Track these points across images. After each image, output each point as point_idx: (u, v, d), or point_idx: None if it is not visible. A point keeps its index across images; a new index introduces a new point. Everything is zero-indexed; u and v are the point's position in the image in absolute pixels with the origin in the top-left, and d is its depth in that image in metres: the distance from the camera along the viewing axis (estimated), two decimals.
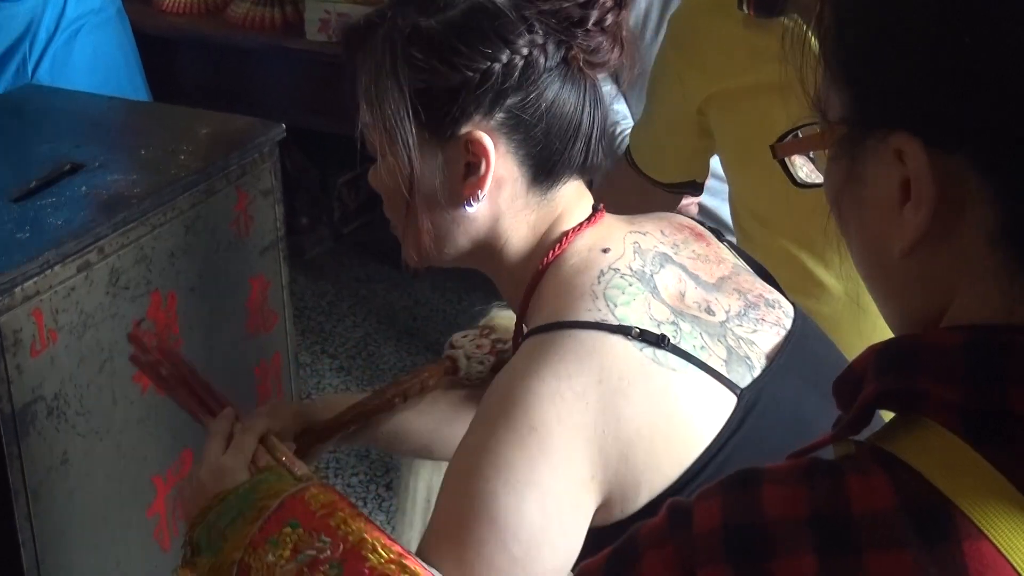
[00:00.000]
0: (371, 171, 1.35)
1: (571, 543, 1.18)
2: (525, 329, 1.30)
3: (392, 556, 1.17)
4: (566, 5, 1.23)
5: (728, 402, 1.20)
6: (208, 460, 1.35)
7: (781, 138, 0.90)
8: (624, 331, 1.18)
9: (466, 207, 1.28)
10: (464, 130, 1.25)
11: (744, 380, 1.22)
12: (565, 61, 1.25)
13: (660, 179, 2.05)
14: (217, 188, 2.19)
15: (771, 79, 1.84)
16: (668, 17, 2.56)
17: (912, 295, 0.81)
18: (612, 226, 1.32)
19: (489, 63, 1.22)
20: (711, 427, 1.19)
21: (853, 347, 1.57)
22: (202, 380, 1.52)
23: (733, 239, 1.77)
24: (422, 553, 1.21)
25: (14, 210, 2.00)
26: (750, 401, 1.21)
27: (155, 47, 3.00)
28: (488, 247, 1.33)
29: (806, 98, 0.87)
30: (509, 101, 1.24)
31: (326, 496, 1.25)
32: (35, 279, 1.86)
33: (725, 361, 1.22)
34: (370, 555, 1.18)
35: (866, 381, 0.78)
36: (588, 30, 1.24)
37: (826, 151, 0.86)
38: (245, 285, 2.29)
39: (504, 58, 1.22)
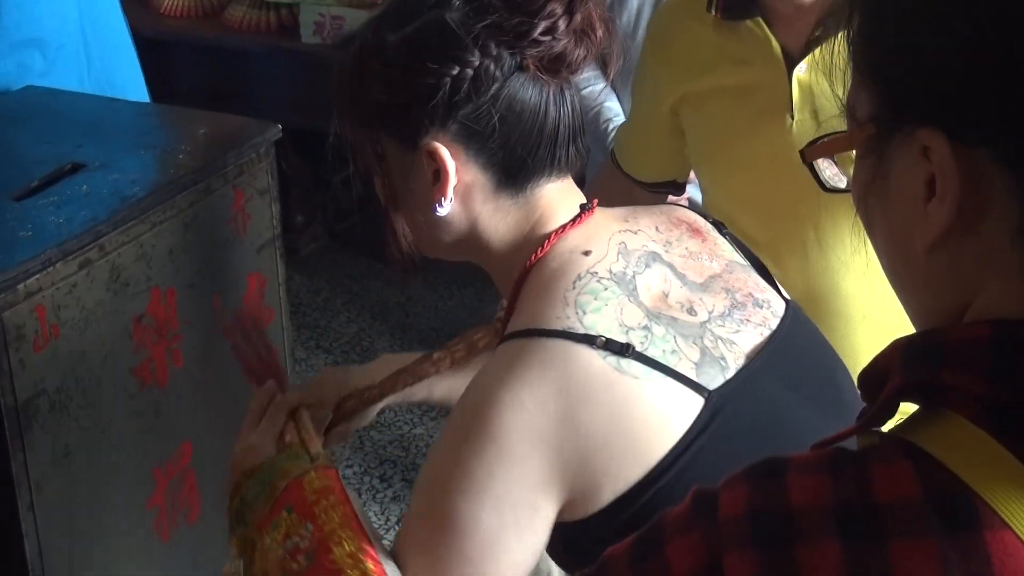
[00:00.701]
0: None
1: (527, 543, 1.20)
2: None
3: (352, 550, 1.21)
4: (508, 20, 1.24)
5: (694, 405, 1.21)
6: (240, 436, 1.40)
7: (810, 144, 0.90)
8: (589, 340, 1.19)
9: (437, 210, 1.29)
10: (424, 141, 1.27)
11: (715, 382, 1.22)
12: (521, 68, 1.26)
13: (641, 179, 2.05)
14: (215, 187, 2.19)
15: (734, 81, 1.86)
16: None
17: (936, 290, 0.81)
18: (600, 226, 1.32)
19: (438, 77, 1.24)
20: (675, 430, 1.19)
21: None
22: (269, 361, 1.58)
23: None
24: (395, 548, 1.25)
25: (16, 209, 2.00)
26: (718, 403, 1.21)
27: (153, 49, 3.00)
28: (473, 245, 1.34)
29: (790, 103, 0.88)
30: (462, 112, 1.26)
31: (321, 482, 1.28)
32: (37, 276, 1.86)
33: (696, 364, 1.23)
34: (335, 548, 1.22)
35: (891, 375, 0.78)
36: (536, 40, 1.24)
37: (854, 152, 0.85)
38: (242, 281, 2.29)
39: (453, 71, 1.24)
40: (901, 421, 0.78)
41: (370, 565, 1.20)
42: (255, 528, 1.30)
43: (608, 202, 1.91)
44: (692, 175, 2.09)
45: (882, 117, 0.80)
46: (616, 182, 2.08)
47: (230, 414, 2.29)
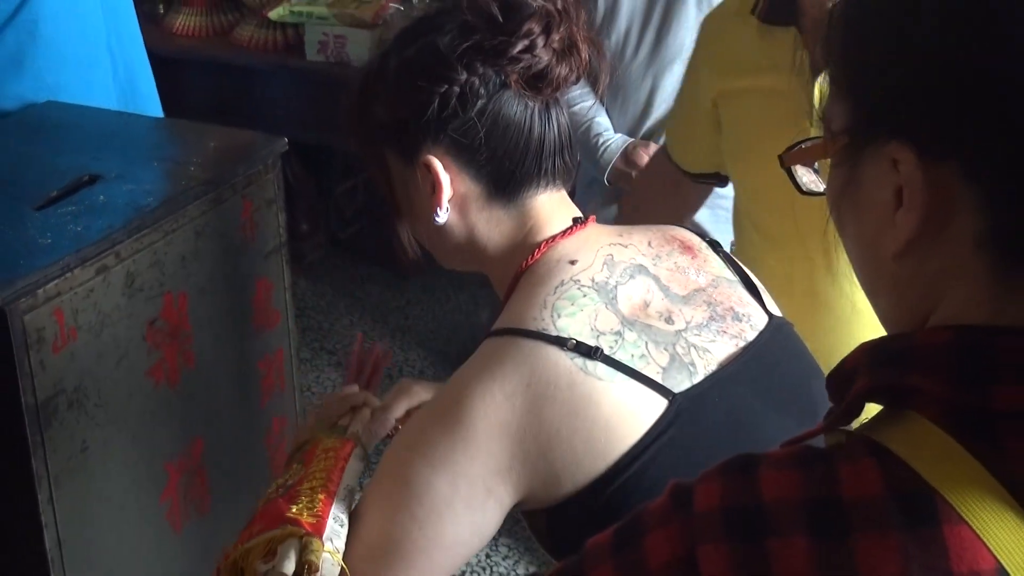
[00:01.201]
0: None
1: (475, 520, 1.22)
2: None
3: (315, 485, 1.28)
4: (490, 40, 1.27)
5: (658, 406, 1.22)
6: (306, 417, 1.48)
7: (788, 149, 0.91)
8: (560, 342, 1.21)
9: (436, 219, 1.33)
10: (421, 155, 1.31)
11: (681, 386, 1.24)
12: (505, 84, 1.28)
13: (687, 168, 2.06)
14: (224, 197, 2.19)
15: (768, 84, 1.86)
16: (648, 33, 2.57)
17: (903, 294, 0.81)
18: (591, 238, 1.33)
19: (428, 94, 1.28)
20: (636, 429, 1.21)
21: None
22: (372, 374, 1.64)
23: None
24: (361, 499, 1.29)
25: (37, 218, 2.00)
26: (683, 406, 1.23)
27: (167, 67, 2.99)
28: (473, 252, 1.37)
29: (811, 111, 0.88)
30: (452, 126, 1.29)
31: (332, 444, 1.36)
32: (56, 281, 1.86)
33: (664, 368, 1.24)
34: (304, 483, 1.29)
35: (858, 376, 0.78)
36: (516, 57, 1.27)
37: (828, 159, 0.86)
38: (251, 286, 2.29)
39: (442, 88, 1.27)
40: (867, 421, 0.78)
41: (320, 496, 1.25)
42: (273, 480, 1.37)
43: (658, 189, 1.91)
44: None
45: (855, 129, 0.81)
46: (666, 169, 2.08)
47: (239, 412, 2.29)
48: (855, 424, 0.80)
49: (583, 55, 1.31)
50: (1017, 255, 0.74)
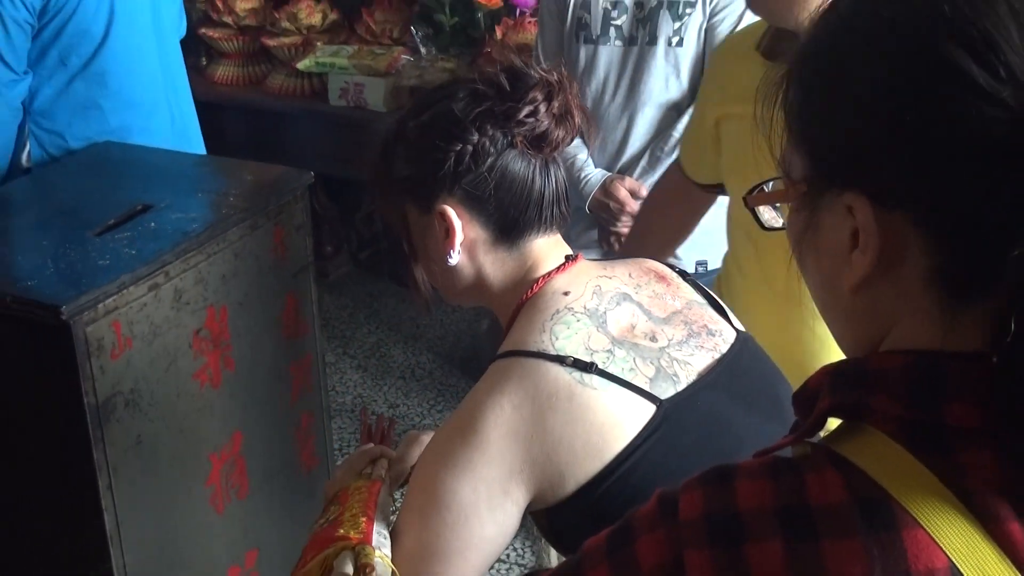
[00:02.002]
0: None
1: (497, 519, 1.21)
2: None
3: (356, 512, 1.27)
4: (497, 107, 1.28)
5: (647, 411, 1.22)
6: (333, 473, 1.48)
7: (751, 191, 0.89)
8: (560, 360, 1.21)
9: (449, 260, 1.33)
10: (436, 205, 1.31)
11: (666, 393, 1.24)
12: (511, 145, 1.29)
13: (696, 179, 2.05)
14: (259, 224, 2.19)
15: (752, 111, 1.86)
16: (623, 81, 2.57)
17: (859, 324, 0.80)
18: (581, 272, 1.34)
19: (445, 153, 1.28)
20: (629, 432, 1.21)
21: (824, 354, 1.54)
22: (385, 436, 1.63)
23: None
24: (397, 518, 1.28)
25: (97, 242, 2.00)
26: (669, 410, 1.22)
27: (209, 111, 3.00)
28: (480, 290, 1.37)
29: (773, 159, 0.85)
30: (465, 180, 1.29)
31: (363, 483, 1.36)
32: (114, 297, 1.86)
33: (651, 379, 1.24)
34: (346, 512, 1.28)
35: (821, 396, 0.77)
36: (522, 121, 1.27)
37: (789, 204, 0.84)
38: (282, 300, 2.29)
39: (457, 147, 1.28)
40: (829, 433, 0.77)
41: (362, 519, 1.25)
42: (316, 522, 1.36)
43: (670, 196, 1.90)
44: None
45: (813, 180, 0.79)
46: (678, 179, 2.08)
47: (273, 409, 2.29)
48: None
49: (576, 120, 1.32)
50: (960, 291, 0.73)
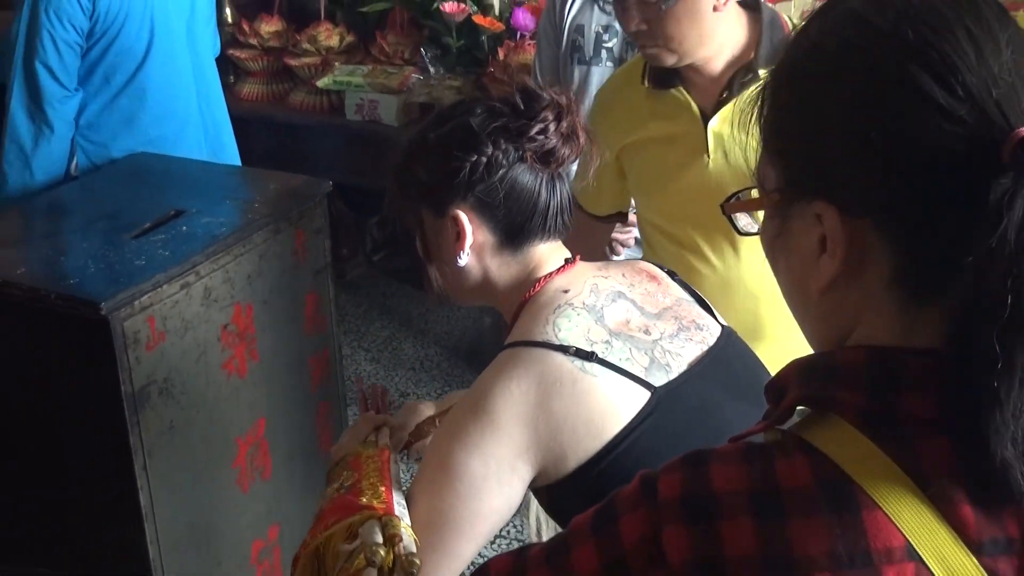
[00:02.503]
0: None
1: (504, 493, 1.21)
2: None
3: (374, 481, 1.25)
4: (511, 124, 1.28)
5: (642, 397, 1.22)
6: (339, 439, 1.44)
7: (728, 199, 0.89)
8: (563, 349, 1.22)
9: (459, 261, 1.33)
10: (451, 209, 1.31)
11: (660, 381, 1.24)
12: (522, 159, 1.29)
13: (598, 214, 2.06)
14: (282, 228, 2.20)
15: (663, 133, 1.89)
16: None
17: (826, 322, 0.80)
18: (579, 272, 1.34)
19: (461, 163, 1.28)
20: (625, 414, 1.21)
21: (726, 313, 1.59)
22: (380, 405, 1.61)
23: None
24: (411, 486, 1.27)
25: (134, 245, 2.01)
26: (662, 396, 1.23)
27: (236, 125, 3.00)
28: (486, 289, 1.37)
29: (750, 174, 0.85)
30: (478, 188, 1.29)
31: (374, 452, 1.35)
32: (149, 294, 1.87)
33: (646, 368, 1.24)
34: (363, 480, 1.27)
35: (790, 387, 0.77)
36: (533, 137, 1.28)
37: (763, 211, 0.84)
38: (302, 298, 2.30)
39: (472, 158, 1.28)
40: (797, 421, 0.77)
41: (381, 488, 1.24)
42: (330, 488, 1.34)
43: (578, 236, 1.92)
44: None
45: (785, 190, 0.79)
46: (580, 218, 2.09)
47: (294, 397, 2.30)
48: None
49: (581, 139, 1.33)
50: (919, 293, 0.73)
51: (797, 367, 0.78)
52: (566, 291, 1.30)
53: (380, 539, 1.15)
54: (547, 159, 1.30)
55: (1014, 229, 0.65)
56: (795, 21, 1.86)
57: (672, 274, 1.43)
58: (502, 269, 1.34)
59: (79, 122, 2.54)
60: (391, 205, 1.39)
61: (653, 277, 1.39)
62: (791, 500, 0.70)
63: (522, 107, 1.29)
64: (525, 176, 1.30)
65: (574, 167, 2.67)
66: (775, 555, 0.69)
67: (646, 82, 1.83)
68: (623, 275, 1.36)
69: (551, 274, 1.33)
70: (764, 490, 0.71)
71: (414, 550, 1.15)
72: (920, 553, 0.68)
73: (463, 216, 1.31)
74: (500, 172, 1.29)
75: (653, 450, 1.20)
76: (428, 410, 1.53)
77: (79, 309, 1.80)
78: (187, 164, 2.53)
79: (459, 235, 1.31)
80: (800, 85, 0.78)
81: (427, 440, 1.52)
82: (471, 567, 1.19)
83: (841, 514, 0.69)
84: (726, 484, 0.73)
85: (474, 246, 1.32)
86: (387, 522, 1.17)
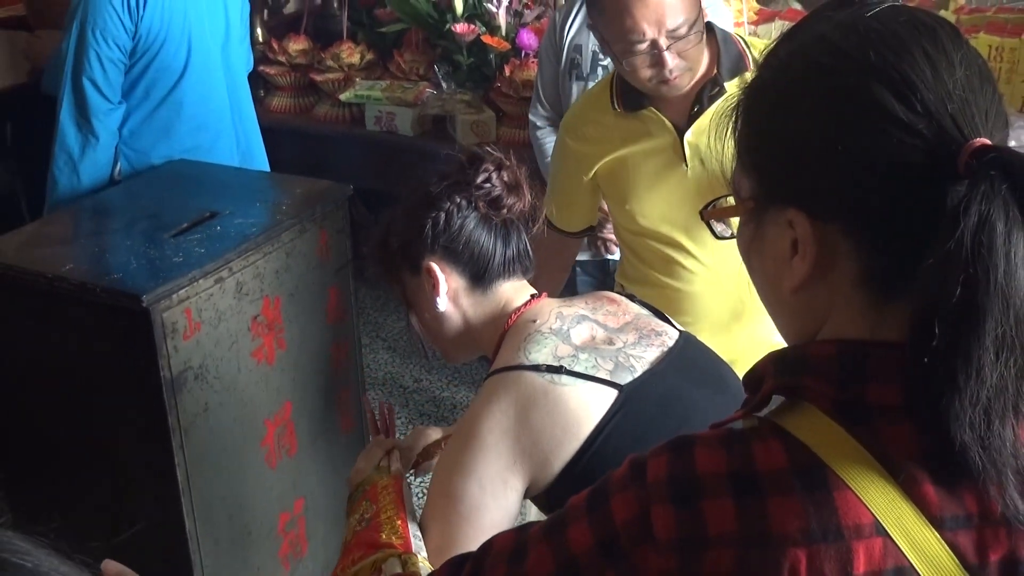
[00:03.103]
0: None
1: (502, 505, 1.23)
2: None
3: (391, 515, 1.27)
4: (460, 178, 1.34)
5: (610, 396, 1.24)
6: (356, 464, 1.45)
7: (705, 207, 0.89)
8: (535, 368, 1.24)
9: (438, 306, 1.37)
10: (424, 263, 1.36)
11: (625, 379, 1.25)
12: (475, 208, 1.34)
13: (570, 230, 2.05)
14: (307, 228, 2.19)
15: (640, 149, 1.89)
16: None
17: (799, 319, 0.80)
18: (545, 304, 1.37)
19: (424, 221, 1.34)
20: (596, 413, 1.22)
21: (712, 310, 1.58)
22: (388, 426, 1.62)
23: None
24: (422, 515, 1.29)
25: (172, 243, 2.00)
26: (629, 392, 1.24)
27: (266, 135, 2.99)
28: (468, 332, 1.40)
29: (725, 181, 0.85)
30: (442, 239, 1.34)
31: (387, 482, 1.36)
32: (185, 288, 1.86)
33: (611, 371, 1.26)
34: (382, 514, 1.28)
35: (767, 378, 0.77)
36: (479, 186, 1.33)
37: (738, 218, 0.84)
38: (326, 292, 2.29)
39: (432, 215, 1.33)
40: (773, 409, 0.77)
41: (398, 522, 1.26)
42: (348, 517, 1.36)
43: (548, 252, 1.92)
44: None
45: (759, 198, 0.79)
46: (553, 236, 2.06)
47: (318, 382, 2.30)
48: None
49: (526, 192, 1.36)
50: (883, 291, 0.73)
51: (772, 359, 0.78)
52: (534, 321, 1.33)
53: (400, 570, 1.17)
54: (496, 206, 1.34)
55: (969, 233, 0.65)
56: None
57: (632, 297, 1.45)
58: (476, 309, 1.37)
59: (122, 132, 2.55)
60: (377, 276, 1.44)
61: (613, 300, 1.41)
62: (768, 481, 0.70)
63: (467, 164, 1.35)
64: (480, 225, 1.35)
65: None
66: (753, 531, 0.69)
67: (616, 107, 1.83)
68: (585, 303, 1.39)
69: (519, 308, 1.36)
70: (743, 472, 0.71)
71: None
72: (887, 529, 0.68)
73: (435, 266, 1.35)
74: (459, 222, 1.33)
75: (627, 439, 1.21)
76: (435, 434, 1.56)
77: (122, 302, 1.80)
78: (221, 170, 2.53)
79: (435, 284, 1.35)
80: (771, 102, 0.78)
81: (434, 460, 1.54)
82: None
83: (814, 494, 0.69)
84: (708, 467, 0.73)
85: (449, 292, 1.36)
86: (406, 560, 1.19)
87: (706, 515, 0.71)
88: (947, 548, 0.69)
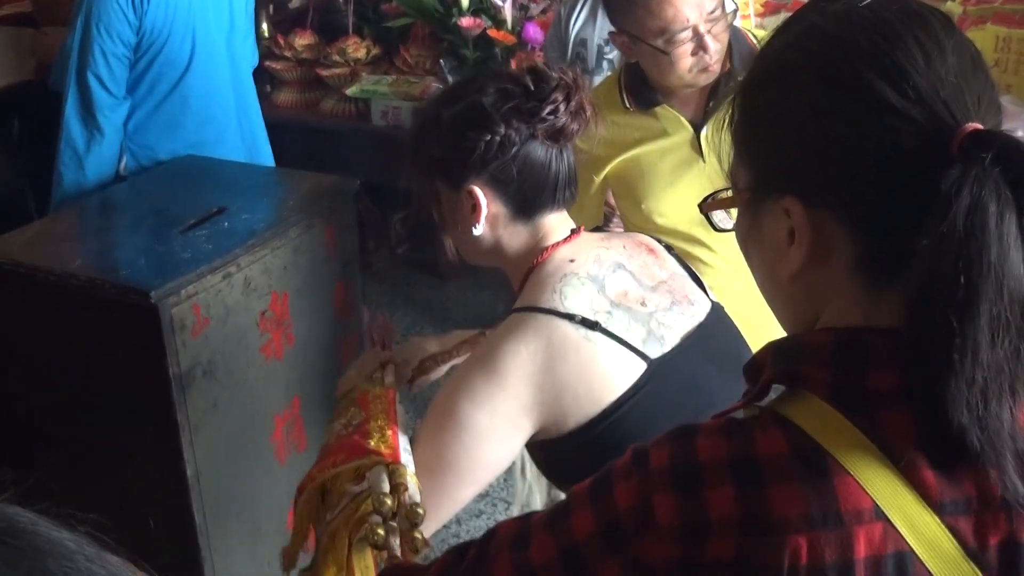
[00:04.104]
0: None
1: (507, 446, 1.19)
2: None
3: (382, 424, 1.22)
4: (523, 104, 1.24)
5: (639, 367, 1.21)
6: (346, 372, 1.41)
7: (704, 200, 0.89)
8: (570, 317, 1.20)
9: (474, 231, 1.29)
10: (467, 184, 1.27)
11: (655, 353, 1.22)
12: (533, 136, 1.25)
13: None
14: (314, 223, 2.18)
15: (656, 147, 1.88)
16: None
17: (797, 306, 0.81)
18: (584, 243, 1.31)
19: (476, 142, 1.24)
20: (623, 383, 1.19)
21: (732, 304, 1.59)
22: (386, 337, 1.56)
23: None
24: (416, 433, 1.24)
25: (180, 239, 2.00)
26: (656, 368, 1.21)
27: (272, 130, 2.99)
28: (497, 255, 1.33)
29: (724, 173, 0.85)
30: (492, 165, 1.25)
31: (380, 392, 1.31)
32: (194, 284, 1.86)
33: (643, 340, 1.22)
34: (371, 422, 1.24)
35: (766, 367, 0.78)
36: (544, 118, 1.24)
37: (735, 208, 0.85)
38: (333, 287, 2.29)
39: (486, 138, 1.24)
40: (774, 398, 0.77)
41: (389, 432, 1.21)
42: (333, 421, 1.32)
43: None
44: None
45: (756, 188, 0.79)
46: None
47: (326, 377, 2.29)
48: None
49: (588, 114, 1.28)
50: (879, 277, 0.73)
51: (771, 349, 0.79)
52: (572, 260, 1.28)
53: (387, 488, 1.12)
54: (557, 136, 1.27)
55: (962, 215, 0.66)
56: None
57: (669, 248, 1.40)
58: (514, 238, 1.31)
59: (127, 127, 2.55)
60: (407, 176, 1.34)
61: (652, 250, 1.36)
62: (768, 469, 0.71)
63: (532, 88, 1.25)
64: (537, 152, 1.26)
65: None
66: (754, 518, 0.70)
67: (628, 105, 1.82)
68: (623, 247, 1.34)
69: (557, 244, 1.30)
70: (744, 460, 0.72)
71: (418, 499, 1.12)
72: (887, 514, 0.69)
73: (478, 191, 1.27)
74: (513, 150, 1.25)
75: (646, 418, 1.18)
76: (431, 346, 1.51)
77: (131, 298, 1.80)
78: (228, 165, 2.52)
79: (475, 208, 1.28)
80: (767, 92, 0.79)
81: (429, 376, 1.50)
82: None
83: (814, 480, 0.69)
84: (710, 455, 0.73)
85: (488, 217, 1.29)
86: (394, 470, 1.14)
87: (708, 503, 0.71)
88: (947, 532, 0.69)
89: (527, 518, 0.85)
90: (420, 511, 1.10)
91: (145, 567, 0.53)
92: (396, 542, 1.08)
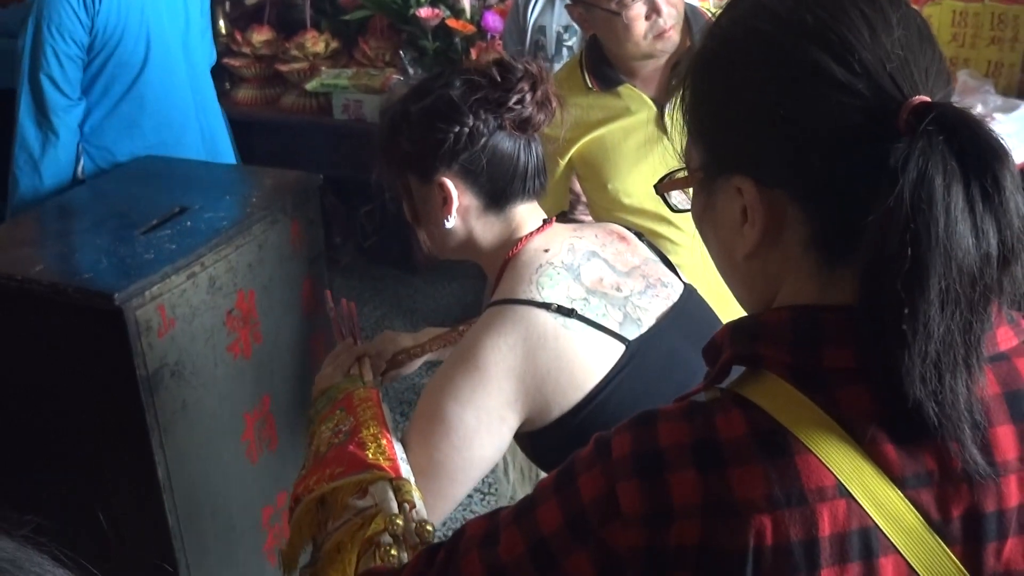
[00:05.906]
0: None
1: (494, 441, 1.20)
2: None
3: (374, 431, 1.22)
4: (490, 95, 1.26)
5: (618, 350, 1.22)
6: (321, 369, 1.41)
7: (660, 180, 0.89)
8: (546, 306, 1.21)
9: (446, 224, 1.30)
10: (437, 177, 1.28)
11: (633, 335, 1.24)
12: (501, 127, 1.27)
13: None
14: (279, 219, 2.17)
15: (619, 126, 1.89)
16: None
17: (753, 285, 0.81)
18: (557, 233, 1.33)
19: (445, 134, 1.25)
20: (603, 366, 1.21)
21: (701, 280, 1.58)
22: (353, 328, 1.57)
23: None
24: (404, 436, 1.24)
25: (143, 240, 1.98)
26: (635, 348, 1.23)
27: (233, 128, 2.97)
28: (471, 248, 1.34)
29: (675, 153, 0.85)
30: (462, 157, 1.26)
31: (365, 394, 1.31)
32: (158, 285, 1.84)
33: (620, 323, 1.23)
34: (363, 430, 1.23)
35: (724, 348, 0.78)
36: (511, 108, 1.25)
37: (690, 188, 0.85)
38: (300, 284, 2.28)
39: (455, 129, 1.25)
40: (734, 379, 0.77)
41: (384, 440, 1.21)
42: (317, 424, 1.30)
43: None
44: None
45: (709, 167, 0.80)
46: None
47: (295, 374, 2.29)
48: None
49: (553, 105, 1.30)
50: (832, 253, 0.74)
51: (729, 329, 0.79)
52: (546, 250, 1.29)
53: (395, 507, 1.12)
54: (524, 126, 1.28)
55: (909, 189, 0.66)
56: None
57: (639, 235, 1.42)
58: (486, 230, 1.32)
59: (83, 129, 2.53)
60: (378, 173, 1.35)
61: (623, 238, 1.38)
62: (729, 450, 0.71)
63: (499, 79, 1.27)
64: (505, 143, 1.28)
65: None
66: (718, 501, 0.70)
67: (591, 85, 1.83)
68: (595, 236, 1.35)
69: (531, 234, 1.31)
70: (705, 443, 0.72)
71: (425, 515, 1.13)
72: (850, 490, 0.69)
73: (449, 183, 1.28)
74: (482, 141, 1.26)
75: (629, 398, 1.19)
76: (404, 340, 1.51)
77: (94, 301, 1.78)
78: (188, 165, 2.51)
79: (446, 200, 1.29)
80: (714, 71, 0.78)
81: (401, 370, 1.50)
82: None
83: (775, 459, 0.69)
84: (671, 440, 0.73)
85: (460, 210, 1.30)
86: (399, 487, 1.14)
87: (671, 487, 0.71)
88: (910, 506, 0.69)
89: (495, 515, 0.85)
90: (430, 527, 1.10)
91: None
92: (407, 558, 1.09)
